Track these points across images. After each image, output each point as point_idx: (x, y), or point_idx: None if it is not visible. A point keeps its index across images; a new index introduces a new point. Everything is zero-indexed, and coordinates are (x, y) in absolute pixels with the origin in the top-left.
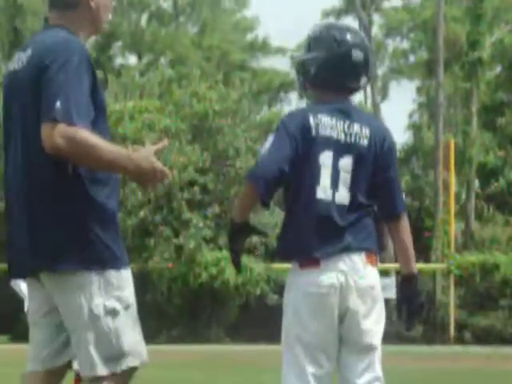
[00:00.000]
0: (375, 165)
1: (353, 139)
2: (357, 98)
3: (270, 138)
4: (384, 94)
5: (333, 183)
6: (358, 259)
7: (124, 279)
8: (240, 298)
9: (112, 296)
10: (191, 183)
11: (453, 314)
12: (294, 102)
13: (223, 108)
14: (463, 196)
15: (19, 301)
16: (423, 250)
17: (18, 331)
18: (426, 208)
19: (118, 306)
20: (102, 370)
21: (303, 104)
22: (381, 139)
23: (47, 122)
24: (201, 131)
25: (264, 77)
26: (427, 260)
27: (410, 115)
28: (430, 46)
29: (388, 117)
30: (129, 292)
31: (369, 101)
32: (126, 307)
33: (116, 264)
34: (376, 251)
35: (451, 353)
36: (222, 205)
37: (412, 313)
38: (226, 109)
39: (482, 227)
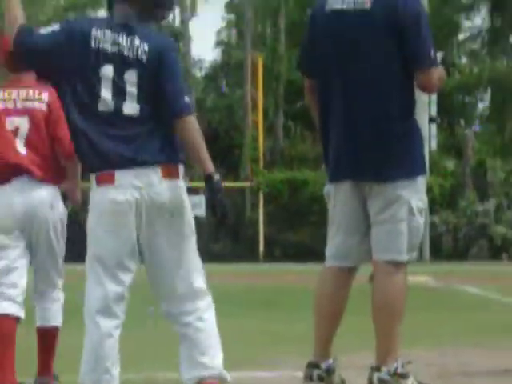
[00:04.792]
0: (155, 76)
1: (135, 53)
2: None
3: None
4: (193, 10)
5: (115, 96)
6: (153, 174)
7: (424, 185)
8: None
9: (420, 199)
10: None
11: (262, 231)
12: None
13: None
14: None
15: None
16: (232, 168)
17: None
18: (235, 125)
19: (423, 206)
20: (405, 257)
21: None
22: (158, 53)
23: (427, 68)
24: None
25: None
26: (236, 178)
27: (219, 32)
28: None
29: (197, 34)
30: (425, 195)
31: (177, 19)
32: (425, 208)
33: (423, 171)
34: (175, 163)
35: (261, 270)
36: None
37: (221, 213)
38: None
39: (291, 145)
